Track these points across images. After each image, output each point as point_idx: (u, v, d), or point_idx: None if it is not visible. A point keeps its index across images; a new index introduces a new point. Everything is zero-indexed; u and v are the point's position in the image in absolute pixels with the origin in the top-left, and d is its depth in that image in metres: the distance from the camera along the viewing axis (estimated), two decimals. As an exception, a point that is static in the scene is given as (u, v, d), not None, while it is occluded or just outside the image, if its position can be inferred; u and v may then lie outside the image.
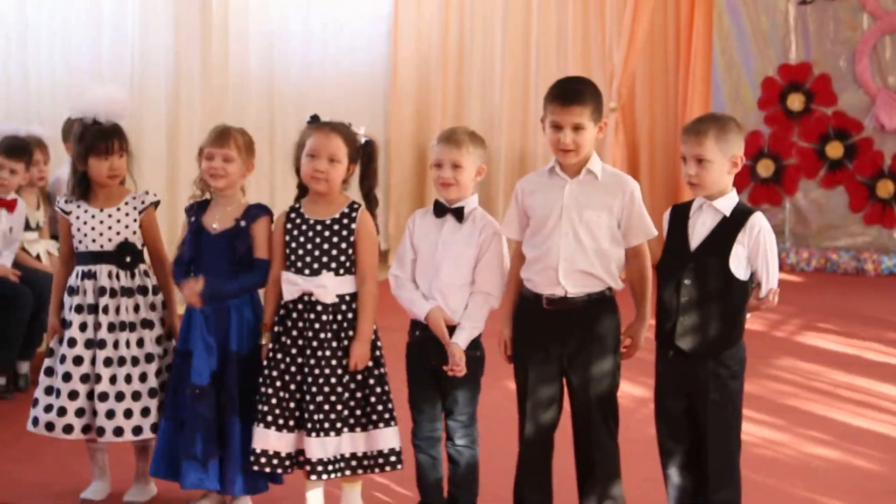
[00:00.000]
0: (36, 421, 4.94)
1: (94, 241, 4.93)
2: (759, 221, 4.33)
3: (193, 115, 8.64)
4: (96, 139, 4.91)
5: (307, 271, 4.63)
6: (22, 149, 6.74)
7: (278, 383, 4.66)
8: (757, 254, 4.31)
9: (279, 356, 4.67)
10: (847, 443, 6.00)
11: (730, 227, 4.33)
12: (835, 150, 11.40)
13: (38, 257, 7.06)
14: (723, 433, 4.35)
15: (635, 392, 6.15)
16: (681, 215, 4.45)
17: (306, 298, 4.63)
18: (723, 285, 4.31)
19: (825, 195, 11.49)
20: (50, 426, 4.89)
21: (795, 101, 11.45)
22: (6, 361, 6.66)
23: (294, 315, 4.65)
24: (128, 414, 4.86)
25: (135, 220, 4.99)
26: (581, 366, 4.48)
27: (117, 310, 4.90)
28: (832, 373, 7.51)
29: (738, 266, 4.31)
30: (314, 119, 4.77)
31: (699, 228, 4.37)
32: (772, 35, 11.47)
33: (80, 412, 4.87)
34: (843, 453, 5.85)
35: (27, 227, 7.02)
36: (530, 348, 4.55)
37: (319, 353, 4.60)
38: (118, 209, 4.98)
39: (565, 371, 4.52)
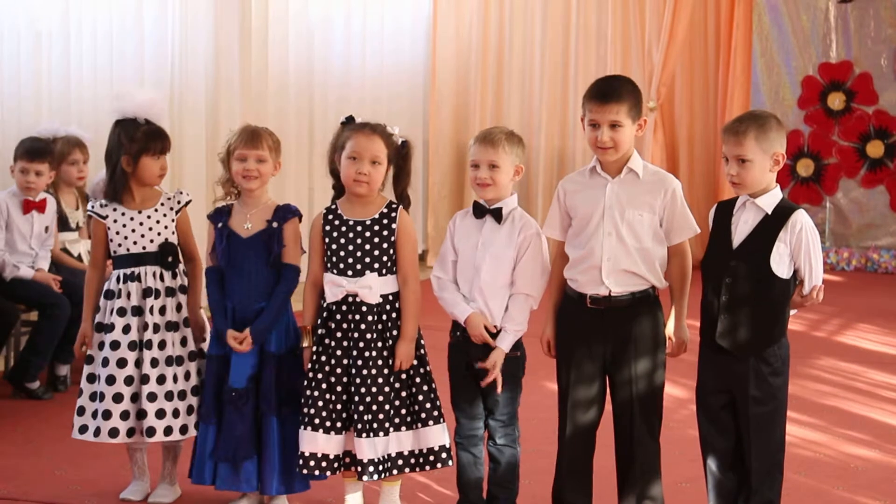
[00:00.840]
0: (83, 428, 4.92)
1: (135, 242, 4.95)
2: (800, 219, 4.30)
3: (233, 121, 8.67)
4: (151, 139, 4.95)
5: (350, 272, 4.64)
6: (42, 150, 6.71)
7: (324, 385, 4.66)
8: (799, 251, 4.28)
9: (323, 358, 4.68)
10: (887, 443, 5.96)
11: (771, 225, 4.30)
12: (875, 149, 11.35)
13: (78, 257, 7.09)
14: (764, 430, 4.32)
15: (675, 393, 6.13)
16: (725, 213, 4.44)
17: (350, 300, 4.63)
18: (764, 284, 4.29)
19: (866, 194, 11.43)
20: (96, 431, 4.88)
21: (836, 100, 11.40)
22: (38, 367, 6.69)
23: (338, 317, 4.66)
24: (175, 413, 4.89)
25: (172, 220, 5.02)
26: (624, 364, 4.47)
27: (162, 310, 4.93)
28: (872, 373, 7.48)
29: (780, 264, 4.28)
30: (350, 120, 4.77)
31: (742, 226, 4.36)
32: (812, 34, 11.43)
33: (124, 415, 4.87)
34: (883, 454, 5.81)
35: (67, 228, 7.06)
36: (573, 348, 4.55)
37: (366, 354, 4.60)
38: (156, 210, 5.01)
39: (608, 370, 4.52)
